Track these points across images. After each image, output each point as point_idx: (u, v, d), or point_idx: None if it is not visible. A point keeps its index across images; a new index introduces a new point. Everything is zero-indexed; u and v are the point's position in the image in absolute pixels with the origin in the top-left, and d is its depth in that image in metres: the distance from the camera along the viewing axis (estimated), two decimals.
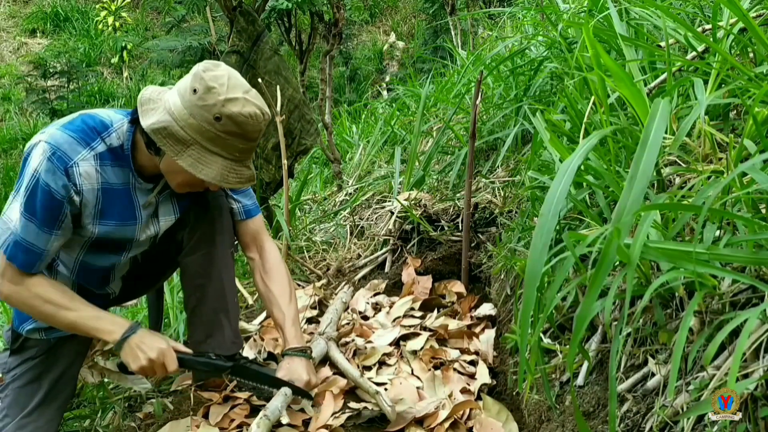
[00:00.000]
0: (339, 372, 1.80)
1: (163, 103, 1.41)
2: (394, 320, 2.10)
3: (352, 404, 1.68)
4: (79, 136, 1.43)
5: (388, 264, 2.56)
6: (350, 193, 3.36)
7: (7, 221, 1.43)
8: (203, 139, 1.38)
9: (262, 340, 2.05)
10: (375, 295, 2.33)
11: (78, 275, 1.57)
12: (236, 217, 1.76)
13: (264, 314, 2.30)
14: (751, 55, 1.32)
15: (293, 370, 1.63)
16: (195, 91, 1.37)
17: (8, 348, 1.59)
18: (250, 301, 2.42)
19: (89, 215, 1.48)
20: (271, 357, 1.98)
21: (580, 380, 1.27)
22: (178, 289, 2.63)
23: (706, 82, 1.24)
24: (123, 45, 10.70)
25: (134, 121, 1.46)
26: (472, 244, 2.28)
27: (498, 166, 2.47)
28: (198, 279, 1.70)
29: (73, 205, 1.43)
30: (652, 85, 1.51)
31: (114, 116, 1.50)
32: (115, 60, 10.81)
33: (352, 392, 1.73)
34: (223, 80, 1.38)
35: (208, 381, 1.78)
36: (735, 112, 1.35)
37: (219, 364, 1.62)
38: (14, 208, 1.43)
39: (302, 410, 1.67)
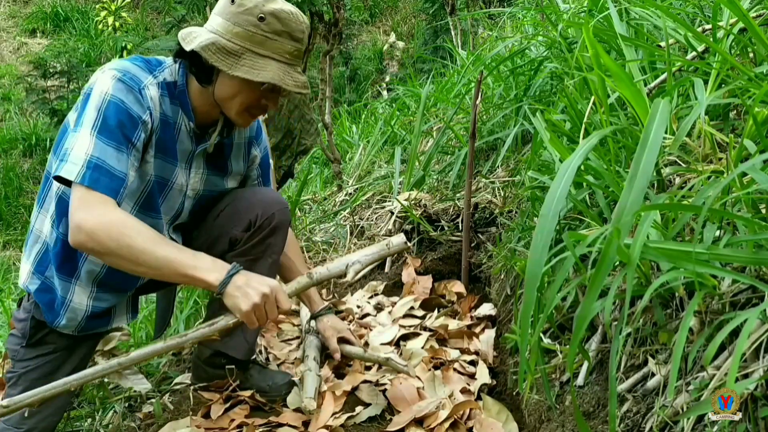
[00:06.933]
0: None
1: (203, 30, 1.44)
2: (394, 320, 2.11)
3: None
4: (143, 65, 1.45)
5: (388, 264, 2.56)
6: (350, 193, 3.36)
7: (78, 153, 1.31)
8: (252, 44, 1.40)
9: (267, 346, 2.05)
10: (374, 296, 2.33)
11: None
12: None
13: None
14: (751, 55, 1.32)
15: (336, 325, 1.86)
16: (232, 1, 1.40)
17: (17, 335, 1.54)
18: None
19: (151, 146, 1.44)
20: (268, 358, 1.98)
21: (580, 380, 1.27)
22: (178, 290, 2.63)
23: (706, 82, 1.24)
24: (123, 45, 10.67)
25: (179, 54, 1.46)
26: (472, 244, 2.28)
27: (498, 166, 2.47)
28: None
29: (145, 130, 1.40)
30: (652, 85, 1.51)
31: (163, 59, 1.51)
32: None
33: (352, 392, 1.73)
34: None
35: (209, 381, 1.78)
36: (735, 112, 1.35)
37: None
38: (81, 136, 1.33)
39: (299, 410, 1.67)
